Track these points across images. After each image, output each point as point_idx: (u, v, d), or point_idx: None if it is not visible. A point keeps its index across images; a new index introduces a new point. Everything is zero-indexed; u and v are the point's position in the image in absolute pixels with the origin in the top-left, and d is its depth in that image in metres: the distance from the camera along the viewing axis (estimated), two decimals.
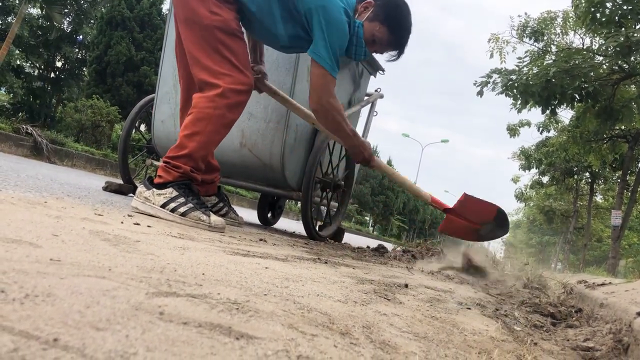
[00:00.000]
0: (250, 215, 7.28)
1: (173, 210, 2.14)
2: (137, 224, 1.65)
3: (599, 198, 27.52)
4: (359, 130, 4.46)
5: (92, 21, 19.41)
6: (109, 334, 0.52)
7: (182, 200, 2.16)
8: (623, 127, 14.47)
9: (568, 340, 1.39)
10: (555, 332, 1.53)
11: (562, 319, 1.80)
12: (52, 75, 19.60)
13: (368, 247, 4.16)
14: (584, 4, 9.71)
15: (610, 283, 2.57)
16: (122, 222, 1.61)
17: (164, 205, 2.14)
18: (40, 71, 19.62)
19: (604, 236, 31.39)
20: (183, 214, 2.14)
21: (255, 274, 1.18)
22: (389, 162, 36.21)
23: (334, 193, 3.89)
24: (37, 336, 0.47)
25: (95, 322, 0.55)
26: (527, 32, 14.16)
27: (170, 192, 2.16)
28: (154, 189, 2.18)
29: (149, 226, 1.68)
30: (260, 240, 2.31)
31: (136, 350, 0.50)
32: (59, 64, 19.77)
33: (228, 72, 2.30)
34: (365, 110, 4.36)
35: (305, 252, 2.25)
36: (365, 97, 4.26)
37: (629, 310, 1.39)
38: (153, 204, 2.16)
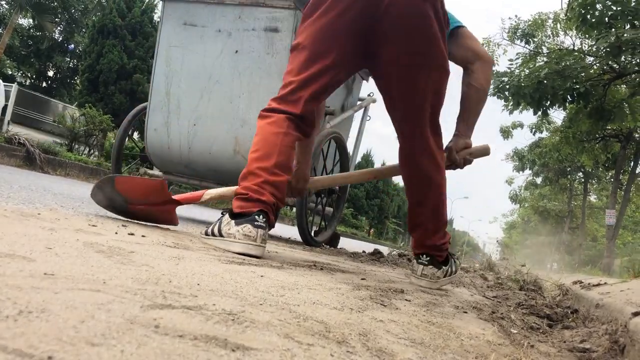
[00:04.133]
0: None
1: (451, 273, 2.22)
2: (132, 234, 1.64)
3: (592, 198, 27.67)
4: (353, 134, 4.47)
5: (83, 30, 19.40)
6: (104, 349, 0.52)
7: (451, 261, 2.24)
8: (615, 127, 14.55)
9: (564, 341, 1.39)
10: (551, 333, 1.53)
11: (559, 320, 1.81)
12: (44, 84, 19.54)
13: (364, 251, 4.16)
14: (576, 6, 9.78)
15: (605, 283, 2.58)
16: (116, 233, 1.61)
17: (446, 275, 2.19)
18: (32, 80, 19.56)
19: (599, 235, 31.51)
20: (455, 271, 2.26)
21: (251, 282, 1.17)
22: (383, 165, 36.31)
23: (329, 198, 3.89)
24: (31, 354, 0.47)
25: (90, 337, 0.55)
26: (518, 34, 14.25)
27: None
28: (443, 267, 2.17)
29: (143, 236, 1.68)
30: None
31: None
32: (50, 73, 19.72)
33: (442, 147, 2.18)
34: (358, 115, 4.38)
35: (301, 259, 2.24)
36: (358, 102, 4.27)
37: (624, 311, 1.40)
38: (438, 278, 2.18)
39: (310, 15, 1.99)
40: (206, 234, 1.92)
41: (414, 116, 2.06)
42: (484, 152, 2.39)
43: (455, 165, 2.30)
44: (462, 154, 2.28)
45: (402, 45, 1.94)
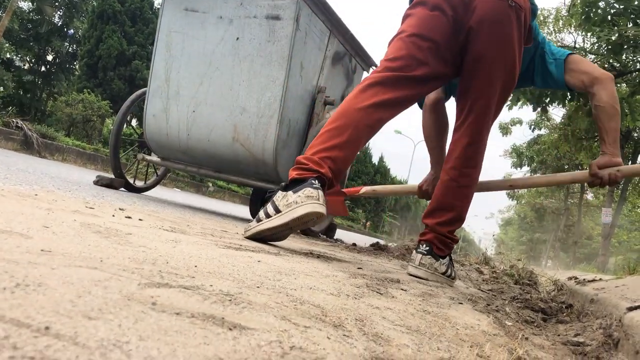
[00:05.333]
0: (242, 210, 7.27)
1: (449, 275, 2.21)
2: (129, 217, 1.64)
3: (589, 196, 27.72)
4: None
5: (83, 15, 19.26)
6: (101, 323, 0.52)
7: (451, 264, 2.24)
8: None
9: (559, 335, 1.39)
10: (546, 327, 1.53)
11: (553, 314, 1.81)
12: (43, 69, 19.43)
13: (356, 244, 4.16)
14: (579, 3, 9.75)
15: (600, 279, 2.58)
16: (113, 215, 1.60)
17: (444, 273, 2.19)
18: (31, 65, 19.46)
19: (594, 234, 31.63)
20: (453, 277, 2.24)
21: (248, 267, 1.17)
22: (381, 159, 36.10)
23: None
24: (29, 324, 0.46)
25: (87, 311, 0.54)
26: None
27: (447, 260, 2.22)
28: (441, 260, 2.18)
29: (140, 219, 1.67)
30: None
31: (129, 339, 0.50)
32: (49, 58, 19.61)
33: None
34: None
35: (298, 247, 2.25)
36: None
37: (619, 306, 1.40)
38: (438, 272, 2.19)
39: (407, 14, 2.11)
40: (258, 220, 1.89)
41: (482, 110, 2.15)
42: (636, 170, 2.35)
43: (599, 179, 2.30)
44: (609, 170, 2.29)
45: (484, 43, 2.03)
